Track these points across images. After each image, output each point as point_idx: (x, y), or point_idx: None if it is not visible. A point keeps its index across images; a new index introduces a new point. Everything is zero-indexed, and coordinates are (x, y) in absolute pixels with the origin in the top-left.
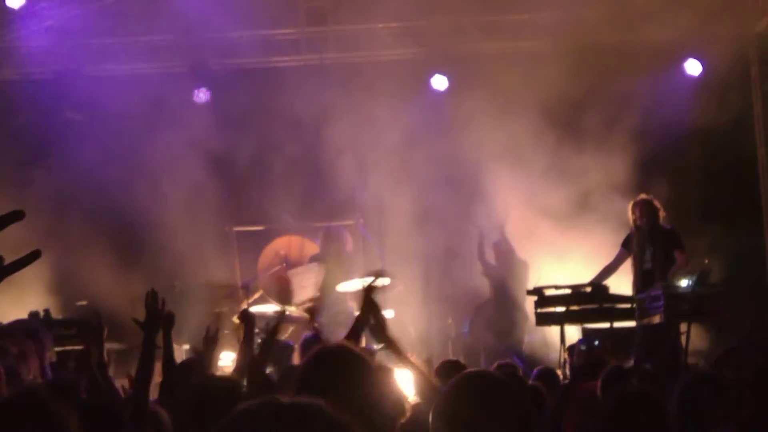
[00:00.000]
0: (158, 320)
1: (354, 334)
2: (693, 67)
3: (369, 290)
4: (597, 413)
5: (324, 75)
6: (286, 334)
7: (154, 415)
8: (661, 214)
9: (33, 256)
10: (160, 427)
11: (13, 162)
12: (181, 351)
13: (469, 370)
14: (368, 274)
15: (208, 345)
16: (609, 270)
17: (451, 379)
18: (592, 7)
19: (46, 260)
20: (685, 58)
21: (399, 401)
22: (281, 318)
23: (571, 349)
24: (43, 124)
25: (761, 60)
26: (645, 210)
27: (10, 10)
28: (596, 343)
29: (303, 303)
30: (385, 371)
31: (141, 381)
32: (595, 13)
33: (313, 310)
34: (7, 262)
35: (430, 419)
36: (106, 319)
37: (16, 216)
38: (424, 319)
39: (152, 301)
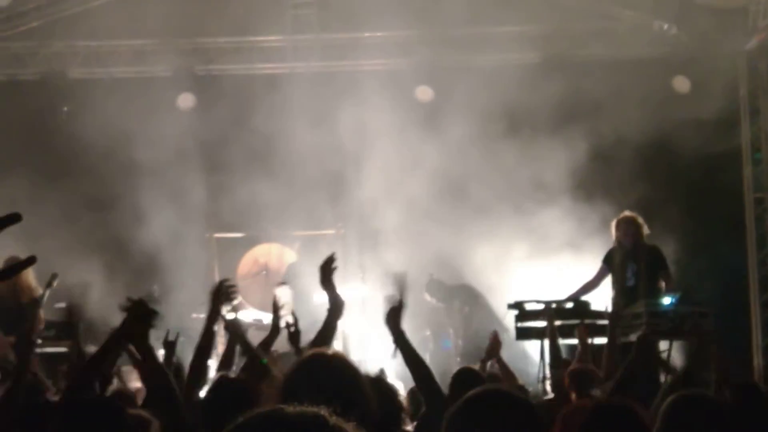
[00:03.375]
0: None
1: (321, 340)
2: (681, 84)
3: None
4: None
5: (309, 83)
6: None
7: (145, 422)
8: (644, 231)
9: (29, 262)
10: None
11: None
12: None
13: (487, 386)
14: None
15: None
16: (589, 286)
17: (466, 388)
18: (581, 20)
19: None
20: (673, 75)
21: (396, 409)
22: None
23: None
24: (28, 126)
25: (750, 78)
26: (629, 227)
27: None
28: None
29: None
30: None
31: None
32: (583, 27)
33: (295, 335)
34: None
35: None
36: (83, 319)
37: (13, 219)
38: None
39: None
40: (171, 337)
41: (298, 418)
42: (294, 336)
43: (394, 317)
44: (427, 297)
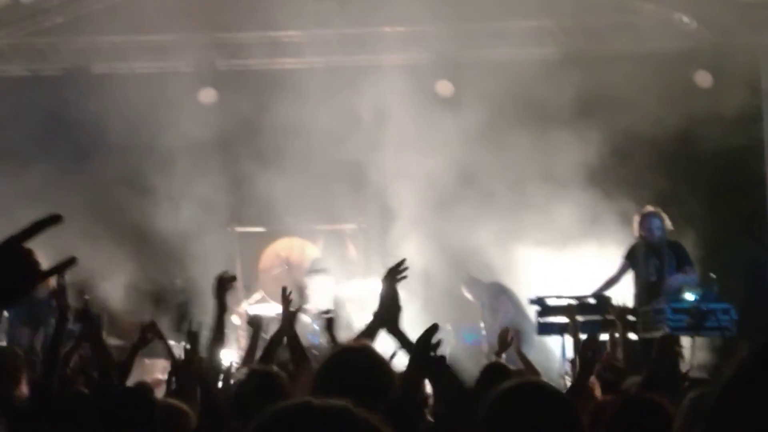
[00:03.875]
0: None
1: (368, 333)
2: (703, 79)
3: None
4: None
5: (330, 77)
6: None
7: (180, 412)
8: (667, 226)
9: (69, 263)
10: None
11: (20, 158)
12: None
13: (523, 378)
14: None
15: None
16: (612, 282)
17: (494, 382)
18: (601, 14)
19: (50, 259)
20: (695, 69)
21: (419, 403)
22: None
23: (573, 361)
24: (50, 121)
25: None
26: (651, 221)
27: (21, 6)
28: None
29: (319, 314)
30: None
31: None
32: (603, 21)
33: (331, 324)
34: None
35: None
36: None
37: (54, 220)
38: (422, 324)
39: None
40: (194, 328)
41: (325, 410)
42: (329, 325)
43: (392, 324)
44: (466, 294)
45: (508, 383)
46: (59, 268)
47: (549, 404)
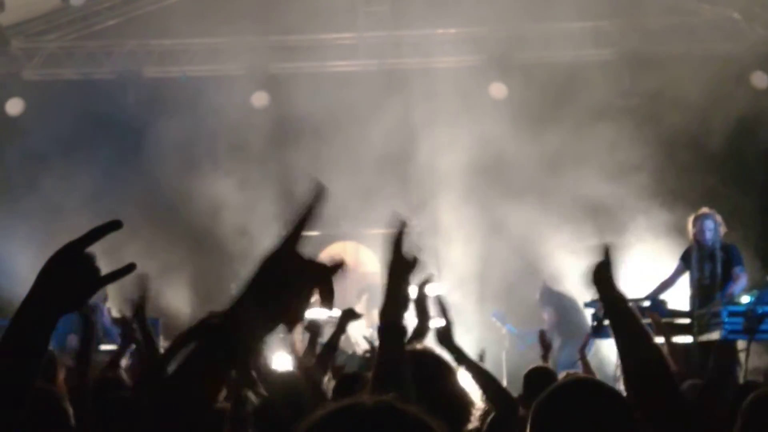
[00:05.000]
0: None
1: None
2: (759, 80)
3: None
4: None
5: (382, 80)
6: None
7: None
8: (722, 229)
9: (128, 269)
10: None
11: (73, 162)
12: None
13: (576, 376)
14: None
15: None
16: (666, 284)
17: (540, 384)
18: (656, 15)
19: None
20: (751, 71)
21: (468, 406)
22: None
23: None
24: (103, 125)
25: None
26: (706, 224)
27: (72, 9)
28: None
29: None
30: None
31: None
32: (659, 22)
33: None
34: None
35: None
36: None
37: (114, 226)
38: (478, 329)
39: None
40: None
41: (374, 408)
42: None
43: (445, 337)
44: (542, 306)
45: (562, 380)
46: (118, 274)
47: (601, 398)
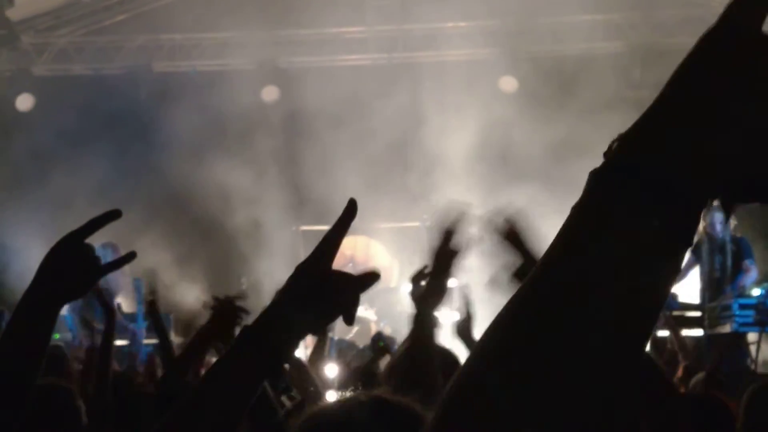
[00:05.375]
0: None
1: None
2: None
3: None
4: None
5: (392, 74)
6: (350, 334)
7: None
8: (733, 223)
9: (128, 257)
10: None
11: (83, 156)
12: None
13: None
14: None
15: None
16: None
17: None
18: (669, 8)
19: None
20: None
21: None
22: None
23: None
24: (113, 120)
25: None
26: (716, 217)
27: (82, 4)
28: None
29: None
30: None
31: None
32: (670, 15)
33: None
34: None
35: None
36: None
37: (112, 215)
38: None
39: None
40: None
41: (368, 401)
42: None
43: (465, 330)
44: None
45: None
46: (119, 263)
47: None
